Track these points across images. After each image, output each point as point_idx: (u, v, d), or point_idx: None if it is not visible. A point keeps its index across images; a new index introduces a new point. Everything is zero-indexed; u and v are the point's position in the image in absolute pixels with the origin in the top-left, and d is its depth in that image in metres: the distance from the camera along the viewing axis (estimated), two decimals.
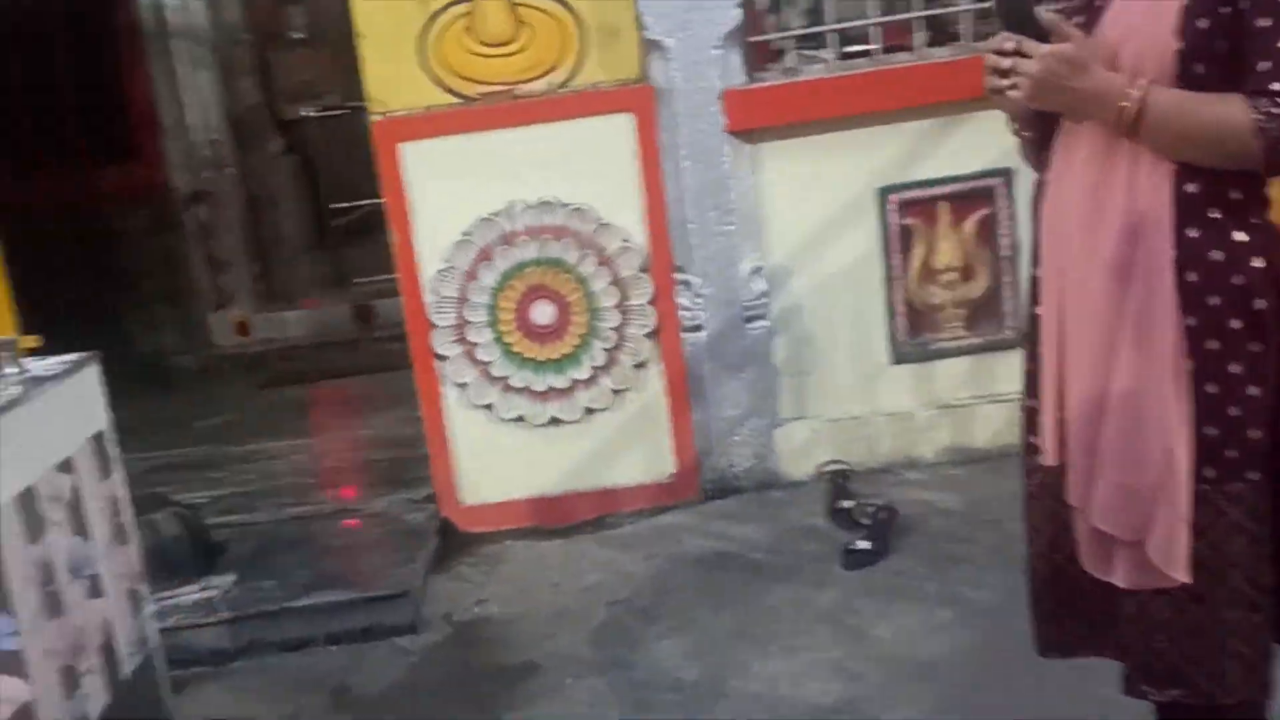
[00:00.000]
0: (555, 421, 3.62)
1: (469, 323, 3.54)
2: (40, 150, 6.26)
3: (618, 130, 3.46)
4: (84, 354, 2.48)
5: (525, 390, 3.59)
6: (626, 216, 3.51)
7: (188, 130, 6.47)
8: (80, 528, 2.33)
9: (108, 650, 2.39)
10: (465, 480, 3.66)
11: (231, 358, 6.44)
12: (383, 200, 3.51)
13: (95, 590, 2.37)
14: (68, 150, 6.33)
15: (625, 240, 3.52)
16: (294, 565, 3.34)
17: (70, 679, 2.23)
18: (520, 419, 3.61)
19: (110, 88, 6.35)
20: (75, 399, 2.40)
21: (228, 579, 3.27)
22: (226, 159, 6.59)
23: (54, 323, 6.25)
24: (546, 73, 3.48)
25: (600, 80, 3.48)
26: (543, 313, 3.55)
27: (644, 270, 3.54)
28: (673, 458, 3.67)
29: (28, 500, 2.14)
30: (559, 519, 3.63)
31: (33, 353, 4.81)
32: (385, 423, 4.53)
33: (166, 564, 3.22)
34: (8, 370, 2.33)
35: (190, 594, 3.18)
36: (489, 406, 3.60)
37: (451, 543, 3.57)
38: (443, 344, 3.55)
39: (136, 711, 2.51)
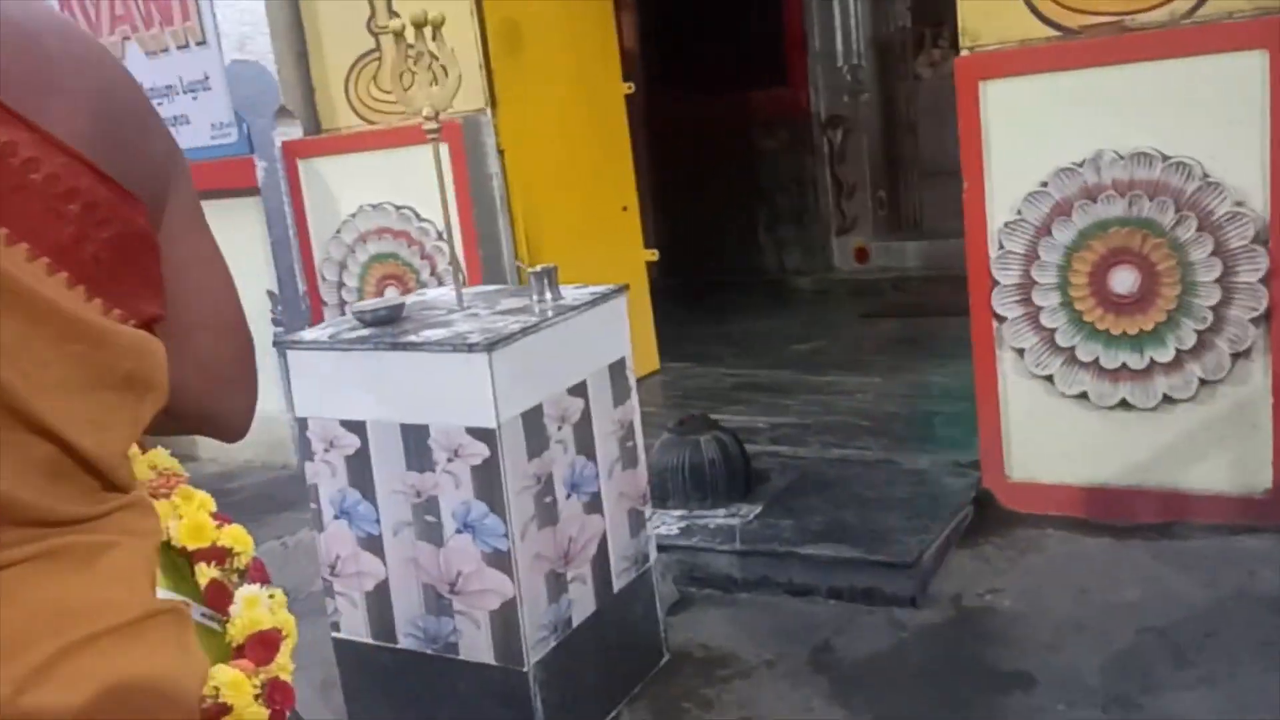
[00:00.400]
0: (1125, 405, 3.16)
1: (1035, 283, 3.19)
2: (705, 75, 6.82)
3: (1244, 71, 2.83)
4: (613, 286, 2.64)
5: (1093, 365, 3.17)
6: (1244, 175, 2.89)
7: (833, 55, 6.61)
8: (586, 448, 2.53)
9: (600, 563, 2.59)
10: (1014, 453, 3.36)
11: (846, 283, 6.57)
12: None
13: (594, 507, 2.56)
14: (728, 75, 6.82)
15: (1239, 203, 2.90)
16: (817, 508, 3.32)
17: (557, 584, 2.45)
18: (1083, 396, 3.20)
19: (768, 16, 6.68)
20: (597, 328, 2.57)
21: (754, 509, 3.36)
22: (865, 84, 6.63)
23: (692, 237, 6.85)
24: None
25: (1236, 9, 2.87)
26: (1123, 280, 3.08)
27: (1260, 242, 2.90)
28: (1270, 471, 3.02)
29: (533, 418, 2.36)
30: (1114, 515, 3.19)
31: (651, 266, 5.30)
32: (960, 371, 4.29)
33: (701, 485, 3.39)
34: (547, 295, 2.56)
35: (717, 518, 3.32)
36: (1049, 378, 3.24)
37: (986, 516, 3.32)
38: (1003, 303, 3.25)
39: (624, 623, 2.69)
